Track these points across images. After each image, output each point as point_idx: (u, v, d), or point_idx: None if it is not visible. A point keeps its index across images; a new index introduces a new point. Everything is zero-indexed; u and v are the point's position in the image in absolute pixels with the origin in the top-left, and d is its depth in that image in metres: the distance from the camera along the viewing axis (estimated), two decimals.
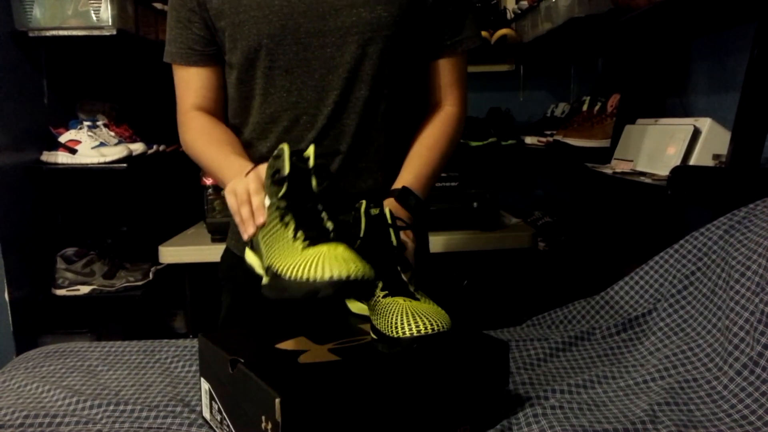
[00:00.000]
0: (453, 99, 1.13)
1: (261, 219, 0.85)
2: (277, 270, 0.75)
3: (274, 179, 0.83)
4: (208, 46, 1.07)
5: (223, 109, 1.13)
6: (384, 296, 0.83)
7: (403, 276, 0.86)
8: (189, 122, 1.11)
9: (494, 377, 0.84)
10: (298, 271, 0.72)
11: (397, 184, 1.04)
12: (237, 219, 0.89)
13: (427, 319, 0.77)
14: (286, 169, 0.81)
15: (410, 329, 0.76)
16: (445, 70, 1.12)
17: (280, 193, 0.81)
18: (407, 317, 0.77)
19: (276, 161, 0.84)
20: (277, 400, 0.68)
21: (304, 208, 0.81)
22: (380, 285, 0.84)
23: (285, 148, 0.83)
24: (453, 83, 1.12)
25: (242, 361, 0.78)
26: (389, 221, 0.88)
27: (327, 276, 0.70)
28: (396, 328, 0.77)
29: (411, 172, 1.06)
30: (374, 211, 0.88)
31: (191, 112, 1.11)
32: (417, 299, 0.83)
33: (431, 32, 1.09)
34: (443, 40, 1.09)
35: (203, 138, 1.09)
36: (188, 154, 1.13)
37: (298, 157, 0.83)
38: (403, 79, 1.08)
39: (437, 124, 1.12)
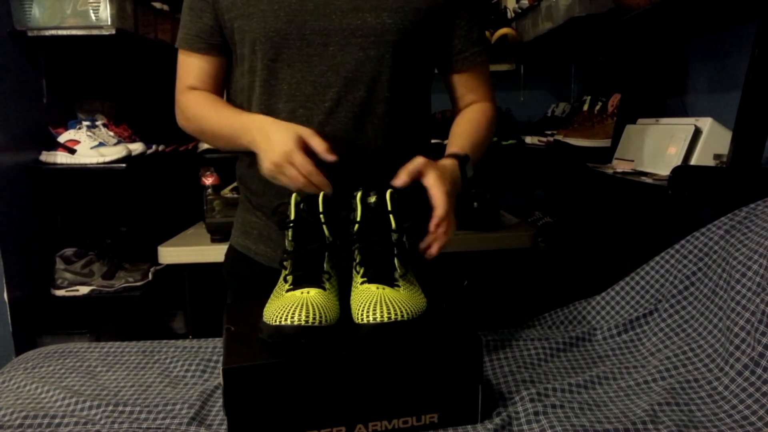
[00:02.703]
0: (483, 98, 1.19)
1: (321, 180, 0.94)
2: (263, 311, 0.83)
3: (280, 224, 0.91)
4: (213, 36, 1.10)
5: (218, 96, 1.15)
6: (361, 283, 0.86)
7: (395, 262, 0.88)
8: (187, 99, 1.13)
9: (464, 369, 0.83)
10: (269, 314, 0.80)
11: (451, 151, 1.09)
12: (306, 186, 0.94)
13: (389, 306, 0.79)
14: (292, 216, 0.89)
15: (370, 317, 0.79)
16: (468, 80, 1.17)
17: (289, 237, 0.89)
18: (371, 305, 0.80)
19: (286, 207, 0.91)
20: (222, 368, 0.77)
21: (305, 251, 0.87)
22: (361, 271, 0.87)
23: (294, 195, 0.91)
24: (477, 87, 1.18)
25: (232, 329, 0.86)
26: (389, 207, 0.90)
27: (289, 321, 0.77)
28: (360, 315, 0.80)
29: (457, 145, 1.10)
30: (371, 199, 0.91)
31: (189, 91, 1.13)
32: (396, 286, 0.85)
33: (443, 44, 1.13)
34: (460, 53, 1.14)
35: (203, 106, 1.11)
36: (189, 128, 1.15)
37: (309, 203, 0.90)
38: (405, 84, 1.10)
39: (474, 111, 1.17)
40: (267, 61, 1.06)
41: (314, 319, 0.78)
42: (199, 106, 1.11)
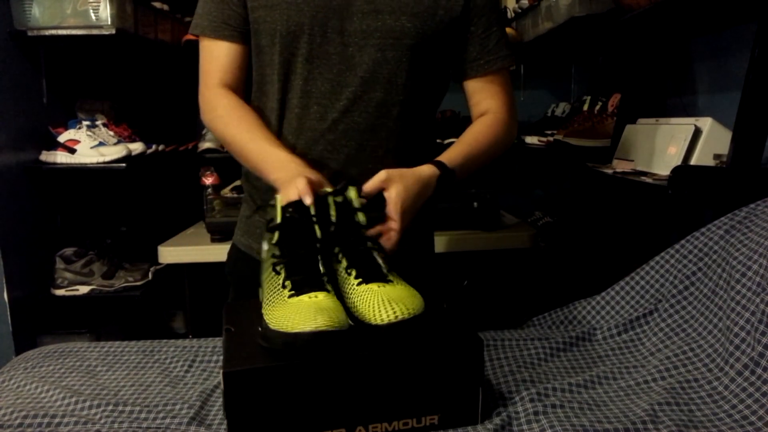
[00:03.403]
0: (498, 107, 1.15)
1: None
2: (266, 320, 0.81)
3: (269, 226, 0.88)
4: (241, 24, 1.09)
5: (245, 90, 1.14)
6: (358, 284, 0.85)
7: (377, 257, 0.88)
8: (216, 99, 1.10)
9: (464, 370, 0.83)
10: (279, 322, 0.78)
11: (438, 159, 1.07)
12: None
13: (402, 303, 0.80)
14: (278, 219, 0.87)
15: (390, 315, 0.79)
16: (483, 88, 1.15)
17: (273, 240, 0.87)
18: (385, 304, 0.80)
19: (271, 210, 0.89)
20: (222, 372, 0.76)
21: (297, 255, 0.85)
22: (354, 273, 0.86)
23: (278, 198, 0.89)
24: (492, 96, 1.15)
25: (232, 329, 0.86)
26: (357, 205, 0.90)
27: (300, 329, 0.76)
28: (374, 316, 0.79)
29: (449, 154, 1.08)
30: (337, 199, 0.91)
31: (217, 88, 1.11)
32: (390, 281, 0.85)
33: (461, 51, 1.12)
34: (475, 60, 1.13)
35: (235, 121, 1.08)
36: (213, 131, 1.13)
37: (296, 206, 0.88)
38: (420, 88, 1.10)
39: (483, 123, 1.14)
40: (286, 55, 1.06)
41: (332, 323, 0.76)
42: (232, 117, 1.08)
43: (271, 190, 1.14)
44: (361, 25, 1.04)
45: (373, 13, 1.04)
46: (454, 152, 1.08)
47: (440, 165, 1.04)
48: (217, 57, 1.11)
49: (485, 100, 1.15)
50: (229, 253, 1.24)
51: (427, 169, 1.03)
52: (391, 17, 1.04)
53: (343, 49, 1.05)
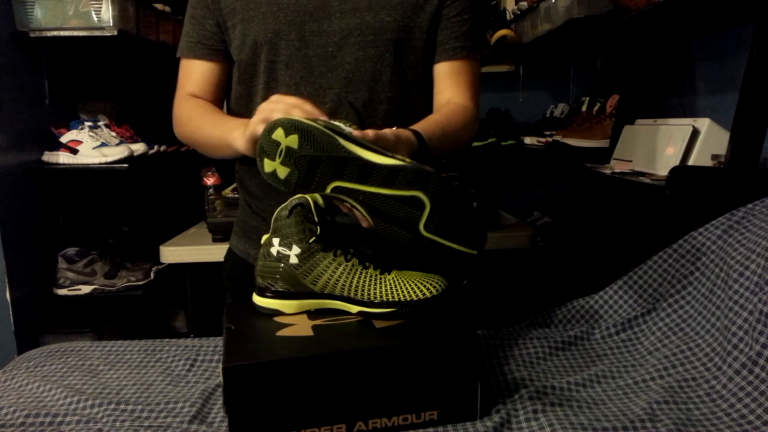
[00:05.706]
0: (463, 98, 1.12)
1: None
2: (403, 298, 0.86)
3: (304, 225, 0.89)
4: (217, 42, 1.10)
5: (219, 105, 1.15)
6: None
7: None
8: (184, 102, 1.12)
9: (462, 367, 0.84)
10: (400, 292, 0.86)
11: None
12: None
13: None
14: (316, 217, 0.90)
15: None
16: (448, 74, 1.11)
17: (312, 240, 0.89)
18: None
19: (302, 209, 0.89)
20: (222, 366, 0.76)
21: (350, 245, 0.90)
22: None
23: (308, 198, 0.89)
24: (457, 85, 1.12)
25: (233, 328, 0.87)
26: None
27: (433, 291, 0.86)
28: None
29: (424, 124, 1.02)
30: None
31: (188, 98, 1.12)
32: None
33: (436, 39, 1.10)
34: (441, 44, 1.11)
35: (199, 112, 1.10)
36: (183, 133, 1.14)
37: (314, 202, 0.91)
38: (407, 83, 1.09)
39: (449, 107, 1.10)
40: (267, 63, 1.06)
41: (443, 287, 0.87)
42: (194, 110, 1.11)
43: (265, 199, 1.14)
44: (340, 24, 1.04)
45: (351, 12, 1.04)
46: (429, 123, 1.03)
47: (417, 135, 0.97)
48: (190, 75, 1.13)
49: (449, 89, 1.11)
50: (226, 258, 1.23)
51: (408, 133, 0.96)
52: (369, 13, 1.04)
53: (323, 51, 1.05)
